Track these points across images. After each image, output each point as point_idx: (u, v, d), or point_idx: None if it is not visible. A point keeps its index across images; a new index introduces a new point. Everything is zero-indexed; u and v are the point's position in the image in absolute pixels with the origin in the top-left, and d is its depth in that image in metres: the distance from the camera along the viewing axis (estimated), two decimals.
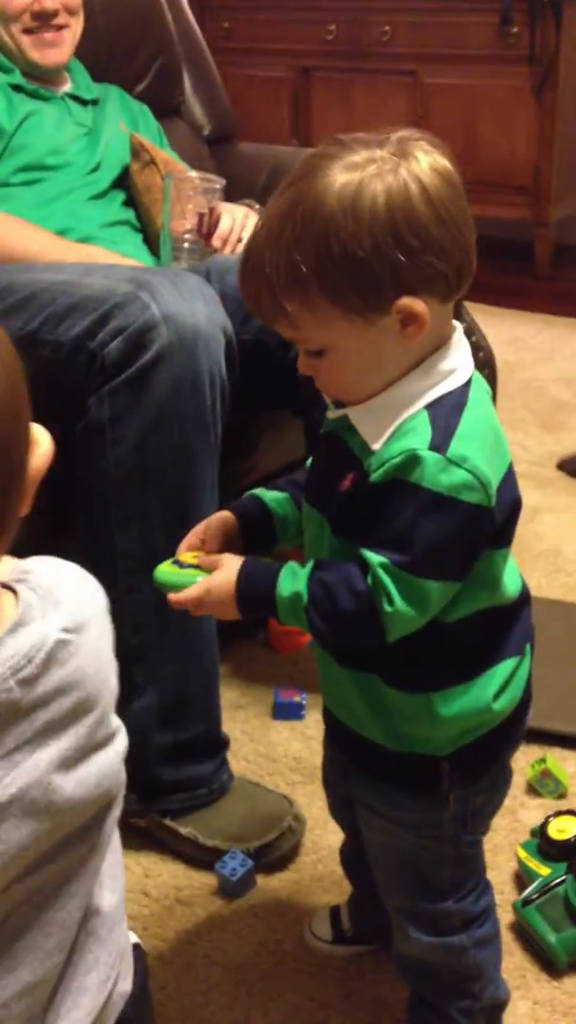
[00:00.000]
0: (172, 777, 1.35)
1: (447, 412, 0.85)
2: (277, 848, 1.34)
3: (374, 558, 0.84)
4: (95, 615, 0.67)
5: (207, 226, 1.66)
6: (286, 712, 1.61)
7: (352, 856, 1.18)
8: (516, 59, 3.41)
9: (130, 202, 1.79)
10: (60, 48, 1.76)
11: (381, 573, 0.84)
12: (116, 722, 0.69)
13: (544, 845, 1.27)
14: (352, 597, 0.85)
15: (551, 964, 1.20)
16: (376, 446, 0.86)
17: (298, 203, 0.81)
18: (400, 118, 3.57)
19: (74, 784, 0.64)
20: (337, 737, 1.03)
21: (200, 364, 1.28)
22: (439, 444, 0.83)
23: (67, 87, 1.82)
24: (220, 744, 1.40)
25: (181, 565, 0.96)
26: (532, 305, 3.41)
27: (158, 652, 1.31)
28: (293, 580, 0.88)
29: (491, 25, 3.42)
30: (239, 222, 1.71)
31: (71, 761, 0.64)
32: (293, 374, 1.49)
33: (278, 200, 0.83)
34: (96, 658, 0.66)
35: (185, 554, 0.97)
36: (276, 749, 1.54)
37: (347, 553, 0.88)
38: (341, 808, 1.13)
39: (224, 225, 1.68)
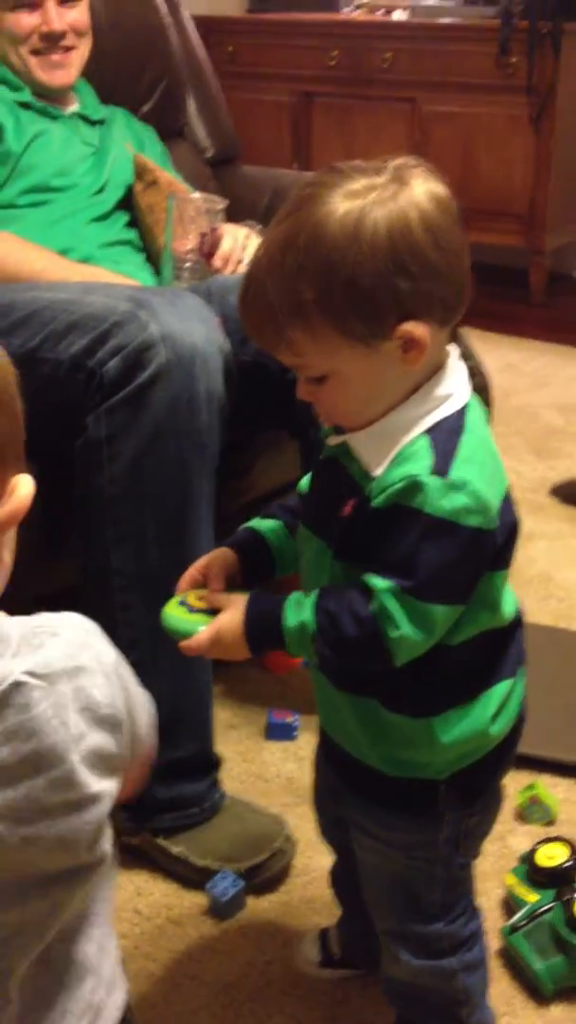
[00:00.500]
0: (164, 795, 1.35)
1: (446, 437, 0.86)
2: (268, 869, 1.34)
3: (379, 583, 0.85)
4: (80, 669, 0.66)
5: (208, 246, 1.68)
6: (279, 733, 1.61)
7: (343, 878, 1.19)
8: (514, 88, 3.45)
9: (133, 222, 1.81)
10: (68, 70, 1.77)
11: (386, 598, 0.84)
12: (99, 787, 0.66)
13: (532, 872, 1.27)
14: (356, 623, 0.86)
15: (538, 991, 1.20)
16: (377, 472, 0.87)
17: (299, 231, 0.82)
18: (399, 144, 3.61)
19: (20, 840, 0.62)
20: (332, 759, 1.04)
21: (197, 383, 1.29)
22: (440, 469, 0.84)
23: (75, 107, 1.83)
24: (212, 763, 1.40)
25: (189, 608, 0.95)
26: (526, 332, 3.44)
27: (152, 669, 1.31)
28: (298, 611, 0.89)
29: (490, 55, 3.46)
30: (240, 243, 1.72)
31: (24, 817, 0.62)
32: (291, 396, 1.51)
33: (278, 228, 0.84)
34: (69, 712, 0.64)
35: (191, 594, 0.97)
36: (269, 769, 1.55)
37: (349, 577, 0.89)
38: (332, 829, 1.14)
39: (226, 246, 1.70)
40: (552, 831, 1.40)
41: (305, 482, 1.04)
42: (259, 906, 1.32)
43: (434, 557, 0.83)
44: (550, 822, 1.44)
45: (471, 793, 0.98)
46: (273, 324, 0.84)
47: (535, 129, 3.48)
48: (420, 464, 0.84)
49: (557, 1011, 1.19)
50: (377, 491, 0.86)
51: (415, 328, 0.83)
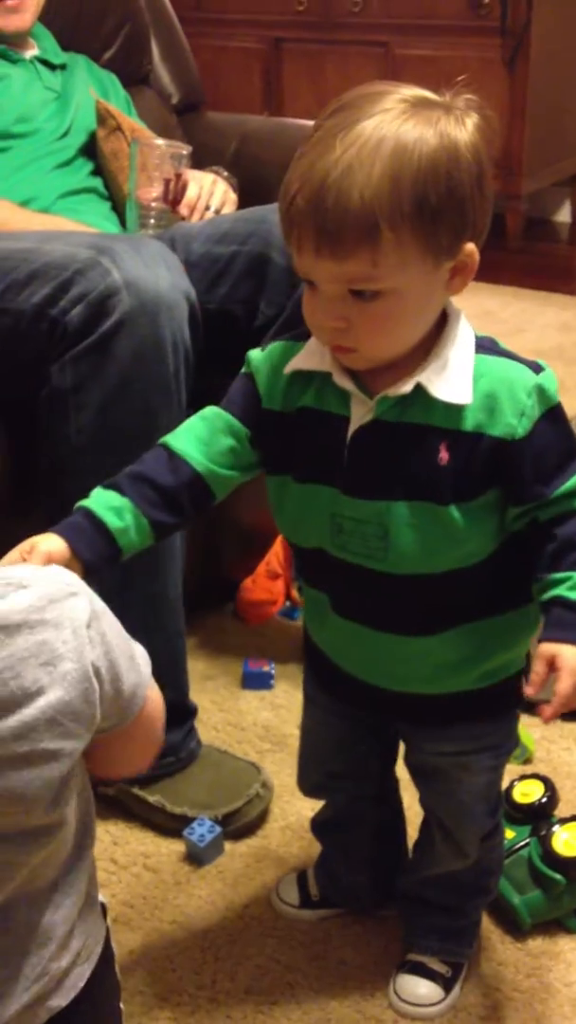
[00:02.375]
0: None
1: (496, 347, 0.91)
2: (245, 815, 1.34)
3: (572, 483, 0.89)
4: (44, 623, 0.66)
5: (174, 193, 1.65)
6: (255, 682, 1.61)
7: (329, 826, 1.20)
8: (487, 30, 3.39)
9: (98, 170, 1.77)
10: (23, 14, 1.73)
11: None
12: (55, 745, 0.66)
13: (509, 809, 1.27)
14: None
15: (515, 926, 1.21)
16: (466, 400, 0.87)
17: (388, 141, 0.80)
18: None
19: None
20: (392, 711, 1.04)
21: (162, 330, 1.27)
22: (532, 366, 0.89)
23: (35, 51, 1.79)
24: (188, 712, 1.40)
25: None
26: (503, 278, 3.41)
27: (122, 621, 1.30)
28: None
29: None
30: (206, 189, 1.69)
31: None
32: (257, 343, 1.49)
33: (348, 133, 0.80)
34: (26, 666, 0.64)
35: None
36: (245, 718, 1.55)
37: (468, 518, 0.89)
38: (335, 780, 1.14)
39: (191, 193, 1.67)
40: (529, 769, 1.41)
41: (179, 436, 0.97)
42: (237, 851, 1.33)
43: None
44: (527, 760, 1.45)
45: (526, 673, 1.01)
46: (365, 226, 0.80)
47: (509, 71, 3.43)
48: (521, 374, 0.88)
49: (535, 944, 1.20)
50: (513, 422, 0.87)
51: (475, 252, 0.85)
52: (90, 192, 1.72)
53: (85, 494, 1.29)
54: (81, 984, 0.77)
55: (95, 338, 1.25)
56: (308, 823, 1.25)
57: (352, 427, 0.91)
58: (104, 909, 0.83)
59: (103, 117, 1.76)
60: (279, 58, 3.79)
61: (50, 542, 0.89)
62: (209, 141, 2.08)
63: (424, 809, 1.13)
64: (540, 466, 0.88)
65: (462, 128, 0.82)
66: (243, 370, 0.99)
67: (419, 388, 0.87)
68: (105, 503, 0.94)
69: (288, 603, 1.78)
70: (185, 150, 1.69)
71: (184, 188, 1.67)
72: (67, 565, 0.86)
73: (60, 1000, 0.75)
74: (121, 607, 1.28)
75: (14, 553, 0.88)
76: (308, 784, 1.18)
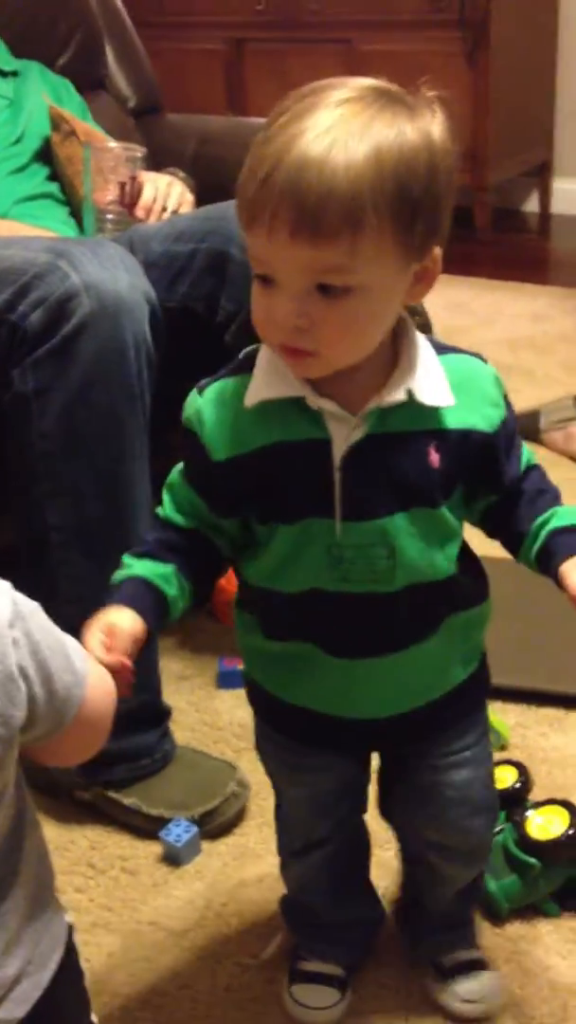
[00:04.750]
0: (114, 748, 1.32)
1: (439, 343, 0.92)
2: (221, 814, 1.34)
3: (529, 457, 0.95)
4: None
5: (130, 196, 1.65)
6: (230, 680, 1.60)
7: (303, 908, 1.16)
8: (447, 23, 3.41)
9: (54, 176, 1.77)
10: None
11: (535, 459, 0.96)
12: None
13: None
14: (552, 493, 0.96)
15: (493, 912, 1.21)
16: (450, 402, 0.87)
17: (368, 126, 0.76)
18: None
19: None
20: (396, 736, 1.01)
21: (124, 332, 1.27)
22: (479, 357, 0.92)
23: None
24: (162, 714, 1.40)
25: None
26: (473, 270, 3.42)
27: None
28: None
29: None
30: (162, 191, 1.69)
31: None
32: (220, 340, 1.50)
33: (327, 116, 0.76)
34: None
35: None
36: (221, 717, 1.55)
37: (455, 517, 0.91)
38: (324, 843, 1.09)
39: (147, 195, 1.67)
40: (503, 756, 1.41)
41: (171, 510, 0.93)
42: (215, 850, 1.33)
43: None
44: (502, 747, 1.45)
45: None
46: (346, 208, 0.75)
47: (471, 64, 3.44)
48: (480, 367, 0.91)
49: (512, 929, 1.20)
50: (487, 413, 0.89)
51: (440, 257, 0.83)
52: (47, 197, 1.72)
53: (54, 498, 1.29)
54: (37, 994, 0.73)
55: (56, 342, 1.24)
56: None
57: (339, 448, 0.85)
58: (71, 929, 0.80)
59: (57, 122, 1.76)
60: (241, 59, 3.79)
61: (124, 619, 0.86)
62: (168, 143, 2.08)
63: (419, 856, 1.10)
64: (510, 450, 0.92)
65: (436, 125, 0.79)
66: (183, 424, 0.92)
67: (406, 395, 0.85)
68: (153, 571, 0.91)
69: None
70: (140, 152, 1.69)
71: (140, 190, 1.67)
72: (138, 637, 0.86)
73: (14, 1011, 0.72)
74: (96, 607, 1.29)
75: (96, 634, 0.85)
76: (289, 851, 1.13)
